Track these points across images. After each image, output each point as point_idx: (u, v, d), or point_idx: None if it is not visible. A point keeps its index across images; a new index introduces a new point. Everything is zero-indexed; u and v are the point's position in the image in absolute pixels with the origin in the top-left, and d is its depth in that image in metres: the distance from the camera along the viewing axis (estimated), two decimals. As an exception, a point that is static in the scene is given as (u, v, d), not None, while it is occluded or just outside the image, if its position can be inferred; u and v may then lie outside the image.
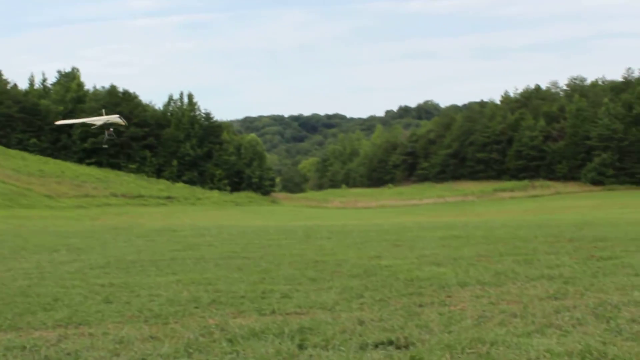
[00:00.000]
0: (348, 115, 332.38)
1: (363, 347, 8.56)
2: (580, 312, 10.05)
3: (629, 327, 9.05)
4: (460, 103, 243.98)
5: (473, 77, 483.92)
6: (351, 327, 9.57)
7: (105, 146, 45.04)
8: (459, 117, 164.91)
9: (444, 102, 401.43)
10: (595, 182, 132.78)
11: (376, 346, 8.61)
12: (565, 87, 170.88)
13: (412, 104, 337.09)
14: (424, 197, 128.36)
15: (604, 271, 14.31)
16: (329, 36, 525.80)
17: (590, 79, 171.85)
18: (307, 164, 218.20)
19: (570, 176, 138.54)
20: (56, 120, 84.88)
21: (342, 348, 8.52)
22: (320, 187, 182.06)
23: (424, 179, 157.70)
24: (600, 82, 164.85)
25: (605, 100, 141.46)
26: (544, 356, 7.82)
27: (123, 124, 38.05)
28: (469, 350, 8.17)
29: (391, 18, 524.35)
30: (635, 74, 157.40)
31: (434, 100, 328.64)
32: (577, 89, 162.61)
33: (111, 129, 37.04)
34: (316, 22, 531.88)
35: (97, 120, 37.93)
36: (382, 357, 8.14)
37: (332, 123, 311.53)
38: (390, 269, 15.86)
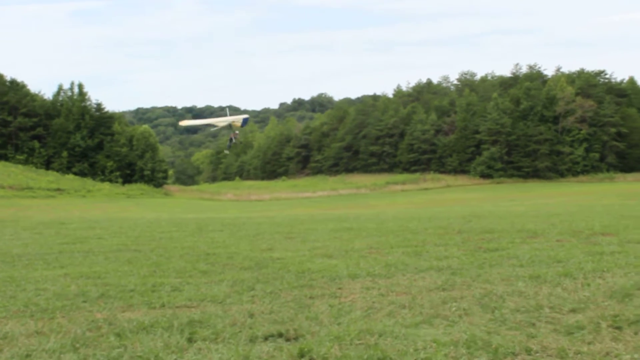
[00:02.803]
0: (242, 107, 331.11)
1: (253, 340, 8.56)
2: (466, 303, 10.25)
3: (512, 316, 9.28)
4: (353, 96, 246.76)
5: (366, 70, 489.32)
6: (241, 320, 9.55)
7: (227, 152, 39.50)
8: (352, 110, 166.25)
9: (337, 95, 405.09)
10: (484, 176, 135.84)
11: (266, 339, 8.62)
12: (456, 82, 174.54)
13: (306, 96, 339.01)
14: (317, 190, 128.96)
15: (491, 262, 14.62)
16: (224, 27, 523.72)
17: (480, 74, 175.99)
18: (201, 156, 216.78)
19: (460, 169, 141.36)
20: None
21: (231, 341, 8.51)
22: (213, 179, 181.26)
23: (317, 171, 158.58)
24: (489, 77, 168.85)
25: (494, 95, 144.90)
26: (431, 346, 7.96)
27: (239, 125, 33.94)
28: (357, 342, 8.26)
29: (286, 10, 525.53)
30: (523, 70, 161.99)
31: (327, 93, 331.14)
32: (468, 83, 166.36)
33: (237, 132, 33.52)
34: (210, 13, 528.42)
35: (221, 122, 34.09)
36: (272, 349, 8.15)
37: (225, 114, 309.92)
38: (282, 262, 15.87)
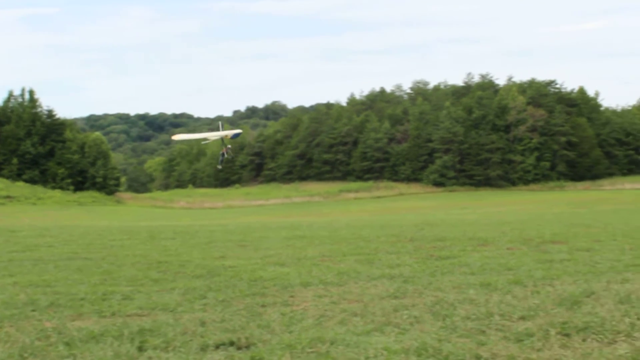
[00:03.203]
0: (195, 115, 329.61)
1: (204, 349, 8.52)
2: (418, 311, 10.30)
3: (463, 324, 9.34)
4: (307, 104, 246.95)
5: (320, 78, 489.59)
6: (192, 328, 9.49)
7: (220, 167, 36.21)
8: (306, 118, 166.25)
9: (291, 103, 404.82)
10: (437, 184, 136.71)
11: (217, 347, 8.58)
12: (409, 91, 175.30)
13: (260, 104, 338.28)
14: (270, 198, 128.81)
15: (442, 270, 14.73)
16: (175, 34, 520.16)
17: (433, 83, 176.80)
18: (153, 163, 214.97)
19: (413, 177, 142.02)
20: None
21: (182, 349, 8.45)
22: (166, 187, 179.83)
23: (271, 179, 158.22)
24: (442, 86, 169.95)
25: (447, 104, 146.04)
26: (382, 354, 7.97)
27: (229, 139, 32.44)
28: (309, 350, 8.25)
29: (238, 18, 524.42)
30: (476, 79, 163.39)
31: (281, 101, 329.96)
32: (421, 92, 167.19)
33: (229, 147, 32.11)
34: (162, 20, 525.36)
35: (214, 136, 32.92)
36: (223, 358, 8.12)
37: (179, 122, 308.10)
38: (234, 270, 15.82)
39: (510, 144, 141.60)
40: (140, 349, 8.56)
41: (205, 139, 32.12)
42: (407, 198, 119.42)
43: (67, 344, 8.85)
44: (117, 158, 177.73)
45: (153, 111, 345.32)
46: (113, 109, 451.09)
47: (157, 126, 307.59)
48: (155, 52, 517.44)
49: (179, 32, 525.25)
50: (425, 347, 8.16)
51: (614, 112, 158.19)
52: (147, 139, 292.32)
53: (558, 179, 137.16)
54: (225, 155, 31.78)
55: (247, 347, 8.57)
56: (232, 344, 8.68)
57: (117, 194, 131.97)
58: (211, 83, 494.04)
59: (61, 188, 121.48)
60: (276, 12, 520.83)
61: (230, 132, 32.16)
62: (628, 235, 22.73)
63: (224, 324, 9.79)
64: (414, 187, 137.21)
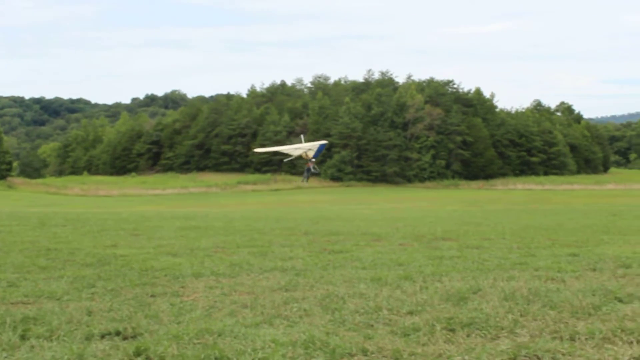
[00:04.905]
0: (93, 101, 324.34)
1: (88, 338, 8.36)
2: (308, 304, 10.32)
3: (352, 317, 9.40)
4: (207, 94, 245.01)
5: (221, 69, 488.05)
6: (78, 317, 9.31)
7: (305, 182, 31.46)
8: (206, 108, 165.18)
9: (191, 92, 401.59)
10: (335, 178, 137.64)
11: (102, 337, 8.44)
12: (309, 85, 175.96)
13: (160, 92, 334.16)
14: (167, 187, 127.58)
15: (334, 264, 14.81)
16: (73, 17, 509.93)
17: (333, 78, 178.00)
18: (48, 148, 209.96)
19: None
20: None
21: (66, 339, 8.27)
22: (60, 173, 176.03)
23: (168, 168, 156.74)
24: (342, 82, 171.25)
25: (347, 99, 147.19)
26: (269, 346, 7.97)
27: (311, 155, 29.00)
28: (196, 341, 8.19)
29: (139, 3, 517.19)
30: (376, 76, 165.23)
31: (181, 90, 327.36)
32: (321, 87, 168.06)
33: (313, 160, 28.58)
34: (59, 2, 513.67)
35: (296, 150, 29.24)
36: (108, 347, 7.98)
37: (76, 108, 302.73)
38: (126, 259, 15.62)
39: (407, 142, 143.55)
40: (23, 337, 8.35)
41: (288, 155, 28.82)
42: (305, 192, 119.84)
43: (-54, 331, 8.58)
44: (9, 142, 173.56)
45: (49, 95, 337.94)
46: (6, 92, 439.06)
47: (53, 111, 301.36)
48: (49, 35, 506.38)
49: (76, 15, 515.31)
50: (313, 340, 8.19)
51: (508, 113, 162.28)
52: (42, 123, 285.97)
53: (453, 177, 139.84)
54: (312, 170, 28.62)
55: (134, 337, 8.45)
56: (118, 333, 8.55)
57: (9, 178, 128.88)
58: (109, 69, 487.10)
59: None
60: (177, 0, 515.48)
61: (315, 145, 29.43)
62: (516, 234, 23.28)
63: (112, 314, 9.64)
64: (312, 181, 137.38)
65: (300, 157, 28.72)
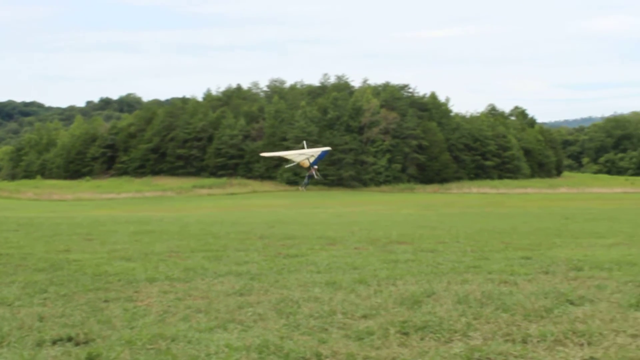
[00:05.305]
0: (47, 104, 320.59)
1: (40, 344, 8.29)
2: (262, 308, 10.31)
3: (306, 322, 9.41)
4: (163, 98, 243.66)
5: (177, 72, 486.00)
6: (30, 323, 9.21)
7: (302, 189, 30.01)
8: (161, 112, 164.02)
9: (146, 96, 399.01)
10: (290, 182, 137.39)
11: (54, 343, 8.36)
12: (265, 89, 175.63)
13: (114, 96, 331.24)
14: (122, 191, 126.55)
15: (289, 268, 14.80)
16: (25, 19, 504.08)
17: (289, 82, 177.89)
18: (0, 152, 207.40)
19: (267, 175, 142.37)
20: None
21: (17, 345, 8.19)
22: (13, 177, 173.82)
23: (123, 172, 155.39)
24: (298, 86, 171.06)
25: (303, 103, 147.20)
26: (223, 351, 7.95)
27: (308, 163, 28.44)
28: (149, 346, 8.14)
29: (92, 6, 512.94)
30: (332, 80, 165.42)
31: (136, 93, 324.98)
32: (277, 90, 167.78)
33: (316, 167, 28.34)
34: (10, 3, 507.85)
35: (299, 155, 28.74)
36: (59, 354, 7.91)
37: (29, 111, 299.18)
38: (79, 264, 15.48)
39: (363, 146, 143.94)
40: (-28, 344, 8.25)
41: (291, 161, 27.97)
42: (261, 196, 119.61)
43: None
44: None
45: (1, 98, 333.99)
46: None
47: (6, 114, 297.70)
48: (4, 38, 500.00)
49: (28, 18, 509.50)
50: (267, 344, 8.19)
51: (463, 118, 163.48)
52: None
53: (408, 181, 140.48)
54: (315, 177, 28.54)
55: (86, 342, 8.38)
56: (70, 339, 8.47)
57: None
58: (64, 72, 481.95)
59: None
60: (132, 2, 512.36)
61: (317, 151, 29.21)
62: (471, 238, 23.45)
63: (64, 319, 9.55)
64: (268, 185, 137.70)
65: (297, 163, 28.38)
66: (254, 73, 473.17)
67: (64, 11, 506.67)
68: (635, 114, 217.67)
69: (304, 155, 28.40)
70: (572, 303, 10.44)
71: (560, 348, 8.18)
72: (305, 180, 28.47)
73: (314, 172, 28.23)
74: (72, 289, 12.04)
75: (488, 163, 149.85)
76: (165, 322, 9.45)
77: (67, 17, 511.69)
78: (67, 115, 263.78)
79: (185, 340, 8.40)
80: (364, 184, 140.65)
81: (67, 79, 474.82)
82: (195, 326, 9.14)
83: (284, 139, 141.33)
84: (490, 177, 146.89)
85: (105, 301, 11.04)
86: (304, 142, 29.10)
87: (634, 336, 8.59)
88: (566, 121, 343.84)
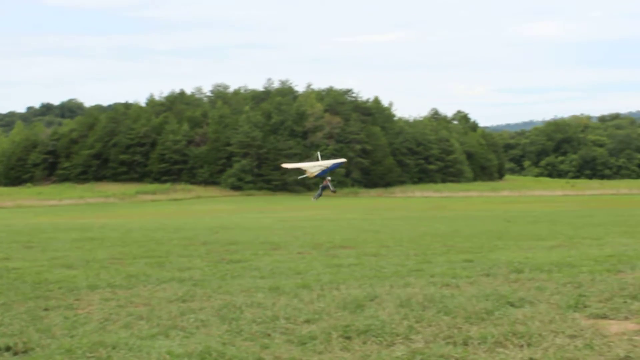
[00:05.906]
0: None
1: (-23, 355, 8.16)
2: (205, 314, 10.28)
3: (249, 327, 9.40)
4: (105, 103, 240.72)
5: (119, 77, 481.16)
6: (-33, 333, 9.07)
7: (315, 200, 28.65)
8: (103, 117, 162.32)
9: (88, 101, 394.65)
10: (235, 187, 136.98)
11: (-8, 352, 8.24)
12: (209, 94, 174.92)
13: (56, 101, 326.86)
14: (64, 198, 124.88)
15: (233, 274, 14.78)
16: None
17: (233, 87, 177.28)
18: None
19: (211, 181, 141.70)
20: None
21: (-48, 356, 8.06)
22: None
23: (64, 179, 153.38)
24: (242, 91, 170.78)
25: (247, 108, 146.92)
26: (164, 358, 7.91)
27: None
28: (89, 354, 8.07)
29: (30, 10, 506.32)
30: (275, 85, 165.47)
31: (78, 99, 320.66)
32: (221, 95, 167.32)
33: (329, 178, 27.38)
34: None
35: (314, 167, 27.61)
36: (-3, 364, 7.81)
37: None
38: (18, 272, 15.28)
39: (307, 150, 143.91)
40: None
41: (304, 172, 27.13)
42: (205, 201, 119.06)
43: None
44: None
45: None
46: None
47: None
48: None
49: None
50: (209, 350, 8.16)
51: (406, 122, 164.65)
52: None
53: (352, 185, 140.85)
54: (330, 189, 26.96)
55: (25, 352, 8.28)
56: (8, 349, 8.36)
57: None
58: (3, 77, 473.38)
59: None
60: (72, 5, 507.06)
61: (330, 163, 28.26)
62: (414, 241, 23.62)
63: (2, 329, 9.42)
64: (212, 190, 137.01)
65: (302, 173, 28.08)
66: (198, 78, 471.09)
67: (3, 15, 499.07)
68: (575, 117, 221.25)
69: (318, 167, 27.42)
70: (512, 305, 10.57)
71: (501, 350, 8.28)
72: (319, 191, 28.03)
73: (328, 184, 27.40)
74: (11, 298, 11.88)
75: (431, 167, 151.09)
76: (106, 329, 9.38)
77: (7, 22, 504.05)
78: (7, 121, 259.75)
79: (127, 347, 8.33)
80: (308, 188, 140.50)
81: (6, 84, 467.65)
82: (136, 333, 9.09)
83: (228, 144, 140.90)
84: (434, 181, 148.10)
85: (46, 309, 10.91)
86: (318, 153, 28.68)
87: (572, 337, 8.73)
88: (508, 125, 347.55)
